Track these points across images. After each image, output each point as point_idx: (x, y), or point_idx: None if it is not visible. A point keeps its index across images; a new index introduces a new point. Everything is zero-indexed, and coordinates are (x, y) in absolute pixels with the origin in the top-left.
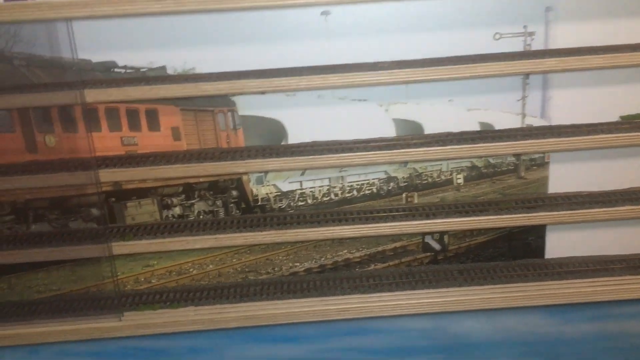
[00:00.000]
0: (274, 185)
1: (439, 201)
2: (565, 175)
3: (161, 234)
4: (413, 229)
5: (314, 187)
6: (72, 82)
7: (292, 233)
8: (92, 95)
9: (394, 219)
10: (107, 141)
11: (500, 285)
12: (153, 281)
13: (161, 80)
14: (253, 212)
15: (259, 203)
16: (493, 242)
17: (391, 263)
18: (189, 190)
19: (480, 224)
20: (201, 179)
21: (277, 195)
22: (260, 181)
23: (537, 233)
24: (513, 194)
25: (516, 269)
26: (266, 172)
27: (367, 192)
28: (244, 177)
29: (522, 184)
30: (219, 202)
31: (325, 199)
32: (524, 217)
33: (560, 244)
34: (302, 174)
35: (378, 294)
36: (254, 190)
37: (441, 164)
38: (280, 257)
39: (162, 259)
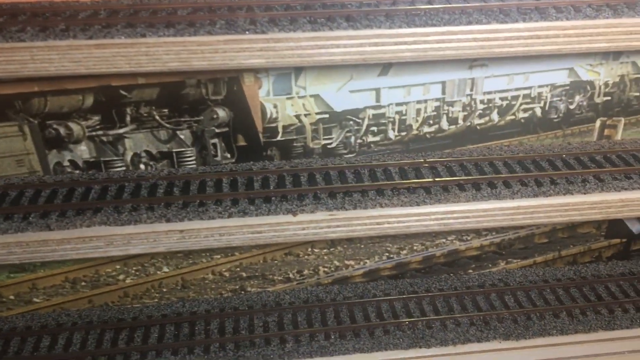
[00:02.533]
0: (316, 97)
1: None
2: None
3: (44, 217)
4: (634, 209)
5: (406, 103)
6: None
7: (369, 218)
8: None
9: (595, 182)
10: None
11: None
12: (37, 300)
13: None
14: (265, 156)
15: (279, 137)
16: None
17: (539, 259)
18: (112, 104)
19: None
20: (139, 80)
21: (321, 119)
22: (283, 88)
23: None
24: None
25: None
26: (299, 70)
27: (521, 114)
28: (247, 79)
29: None
30: (184, 134)
31: (427, 129)
32: None
33: None
34: (384, 72)
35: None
36: (269, 109)
37: None
38: (318, 249)
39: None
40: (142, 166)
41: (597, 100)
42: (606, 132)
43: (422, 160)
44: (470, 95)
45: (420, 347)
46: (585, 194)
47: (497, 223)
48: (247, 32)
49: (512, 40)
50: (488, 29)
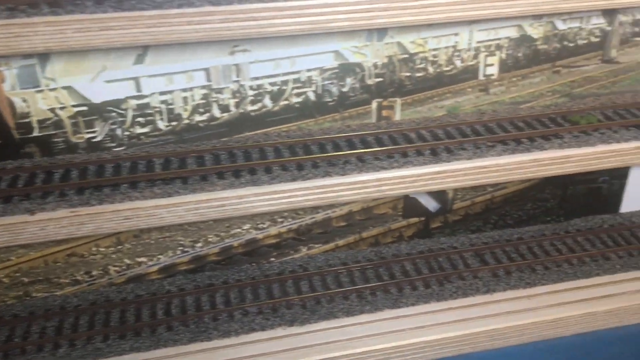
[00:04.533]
0: (69, 89)
1: (444, 116)
2: None
3: None
4: (392, 187)
5: (171, 92)
6: None
7: (114, 212)
8: None
9: (355, 164)
10: None
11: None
12: None
13: None
14: (23, 154)
15: (36, 133)
16: (535, 191)
17: (341, 243)
18: None
19: (527, 172)
20: None
21: (79, 112)
22: (29, 80)
23: (616, 172)
24: (591, 95)
25: (586, 242)
26: (44, 56)
27: (294, 99)
28: None
29: (609, 74)
30: None
31: (198, 117)
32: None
33: None
34: (140, 61)
35: (330, 322)
36: (19, 104)
37: (457, 35)
38: (104, 248)
39: None
40: None
41: (369, 82)
42: (384, 113)
43: (191, 150)
44: (238, 81)
45: (202, 341)
46: (343, 175)
47: (255, 210)
48: None
49: (229, 22)
50: (200, 12)
